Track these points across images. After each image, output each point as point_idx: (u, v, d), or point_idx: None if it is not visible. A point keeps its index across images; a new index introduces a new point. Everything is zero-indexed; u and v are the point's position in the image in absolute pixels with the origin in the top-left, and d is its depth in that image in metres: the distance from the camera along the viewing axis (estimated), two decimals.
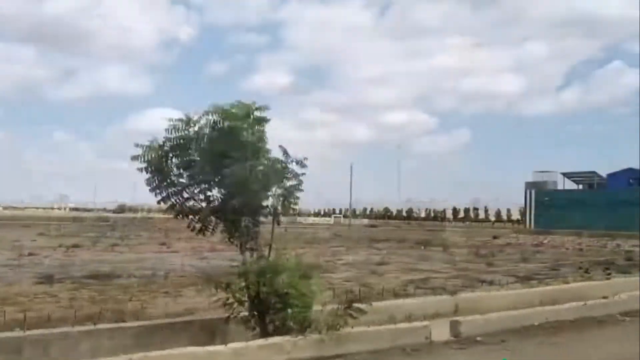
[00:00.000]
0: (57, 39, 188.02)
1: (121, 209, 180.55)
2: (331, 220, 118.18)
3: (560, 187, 42.13)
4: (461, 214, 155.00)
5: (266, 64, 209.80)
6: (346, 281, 16.30)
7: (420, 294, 12.97)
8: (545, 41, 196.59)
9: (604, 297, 11.01)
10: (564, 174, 42.61)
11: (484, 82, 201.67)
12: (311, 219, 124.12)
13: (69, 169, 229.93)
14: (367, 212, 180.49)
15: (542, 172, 43.36)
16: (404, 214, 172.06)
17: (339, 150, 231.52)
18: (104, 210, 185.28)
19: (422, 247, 33.06)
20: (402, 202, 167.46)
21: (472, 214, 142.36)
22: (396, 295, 12.70)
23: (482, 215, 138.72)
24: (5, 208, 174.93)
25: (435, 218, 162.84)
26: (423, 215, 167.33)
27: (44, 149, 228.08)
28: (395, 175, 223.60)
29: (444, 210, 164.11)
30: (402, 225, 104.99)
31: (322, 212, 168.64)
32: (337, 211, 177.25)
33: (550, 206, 39.44)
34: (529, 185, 42.02)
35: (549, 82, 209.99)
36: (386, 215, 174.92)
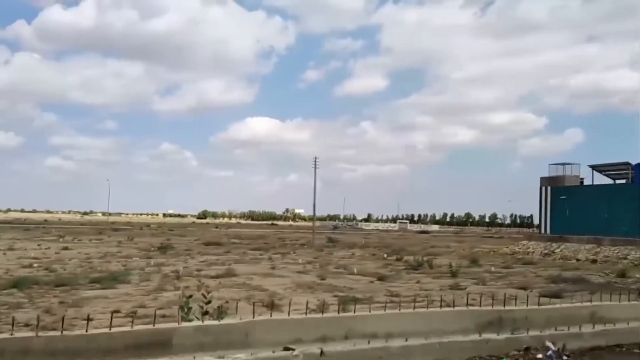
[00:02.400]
0: (162, 55, 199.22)
1: (204, 214, 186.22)
2: (396, 225, 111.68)
3: (588, 182, 33.90)
4: None
5: (362, 69, 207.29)
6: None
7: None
8: None
9: None
10: (593, 167, 34.04)
11: (596, 78, 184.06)
12: (373, 225, 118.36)
13: (173, 177, 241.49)
14: (448, 217, 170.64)
15: (561, 164, 35.14)
16: (487, 219, 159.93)
17: (436, 153, 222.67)
18: (194, 216, 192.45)
19: (385, 256, 27.89)
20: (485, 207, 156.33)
21: None
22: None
23: None
24: (104, 214, 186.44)
25: (521, 224, 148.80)
26: (508, 221, 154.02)
27: (152, 158, 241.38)
28: (493, 178, 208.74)
29: (531, 216, 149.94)
30: (472, 232, 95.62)
31: (400, 217, 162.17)
32: (420, 217, 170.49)
33: (568, 206, 31.61)
34: (545, 181, 34.12)
35: None
36: (467, 221, 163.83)
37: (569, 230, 30.70)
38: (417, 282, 16.82)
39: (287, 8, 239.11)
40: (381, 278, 17.15)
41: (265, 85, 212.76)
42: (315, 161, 42.33)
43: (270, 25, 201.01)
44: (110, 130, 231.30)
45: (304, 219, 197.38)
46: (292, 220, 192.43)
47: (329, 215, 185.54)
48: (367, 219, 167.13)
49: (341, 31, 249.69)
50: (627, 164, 31.19)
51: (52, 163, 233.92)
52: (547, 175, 33.95)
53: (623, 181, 33.74)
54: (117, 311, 10.15)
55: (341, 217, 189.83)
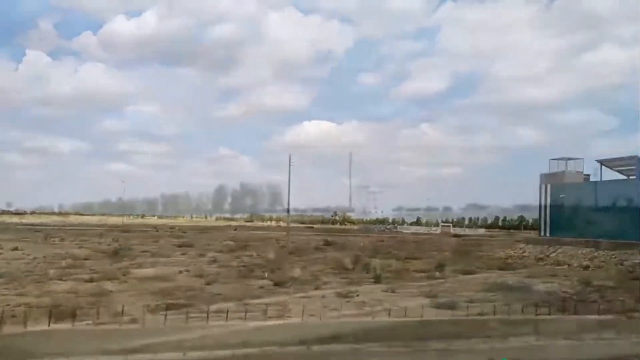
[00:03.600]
0: (220, 61, 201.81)
1: (251, 218, 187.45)
2: (438, 229, 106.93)
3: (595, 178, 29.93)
4: None
5: (420, 70, 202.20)
6: None
7: None
8: None
9: None
10: (601, 161, 30.06)
11: None
12: (413, 228, 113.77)
13: (230, 181, 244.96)
14: (500, 221, 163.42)
15: (562, 159, 31.15)
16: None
17: (497, 155, 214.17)
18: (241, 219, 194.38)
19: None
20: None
21: None
22: None
23: None
24: (159, 217, 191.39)
25: None
26: None
27: (210, 162, 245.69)
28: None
29: None
30: (519, 237, 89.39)
31: (450, 220, 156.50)
32: (471, 220, 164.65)
33: (568, 205, 28.04)
34: (545, 178, 30.47)
35: None
36: (521, 223, 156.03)
37: (569, 232, 27.26)
38: (316, 288, 14.82)
39: (344, 11, 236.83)
40: (279, 284, 15.24)
41: (322, 89, 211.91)
42: (289, 159, 40.36)
43: (327, 29, 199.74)
44: (169, 136, 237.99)
45: (352, 222, 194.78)
46: (340, 223, 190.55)
47: (377, 219, 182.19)
48: (417, 222, 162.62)
49: (399, 33, 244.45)
50: (634, 157, 27.34)
51: (115, 169, 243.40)
52: (547, 171, 30.45)
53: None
54: None
55: (390, 219, 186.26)
